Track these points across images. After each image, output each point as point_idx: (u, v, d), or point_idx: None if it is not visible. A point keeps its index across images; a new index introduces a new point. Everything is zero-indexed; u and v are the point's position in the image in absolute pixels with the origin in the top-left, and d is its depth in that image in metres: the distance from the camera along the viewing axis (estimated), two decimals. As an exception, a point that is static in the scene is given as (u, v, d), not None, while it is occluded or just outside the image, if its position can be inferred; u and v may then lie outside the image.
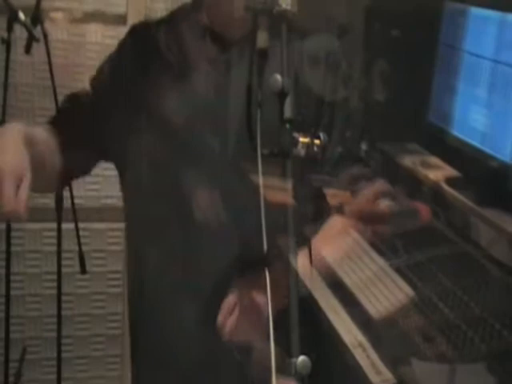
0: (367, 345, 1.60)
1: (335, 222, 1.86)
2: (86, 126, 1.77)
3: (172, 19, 1.82)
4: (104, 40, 3.64)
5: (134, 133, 1.72)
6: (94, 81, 1.86)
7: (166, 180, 1.72)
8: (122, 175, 1.87)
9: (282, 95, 1.18)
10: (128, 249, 2.01)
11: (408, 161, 2.28)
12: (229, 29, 1.71)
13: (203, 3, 1.74)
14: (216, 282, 1.72)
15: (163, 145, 1.71)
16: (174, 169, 1.69)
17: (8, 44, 3.10)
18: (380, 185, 2.02)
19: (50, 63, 3.14)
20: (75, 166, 1.80)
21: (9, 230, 3.20)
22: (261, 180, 1.20)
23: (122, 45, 1.84)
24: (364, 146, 2.19)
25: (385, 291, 1.74)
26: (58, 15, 3.72)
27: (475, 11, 2.12)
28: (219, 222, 1.67)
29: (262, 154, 1.20)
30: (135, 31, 1.84)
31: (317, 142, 1.24)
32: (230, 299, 1.67)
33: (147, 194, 1.77)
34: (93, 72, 1.87)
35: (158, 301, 1.80)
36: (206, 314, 1.71)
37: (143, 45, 1.79)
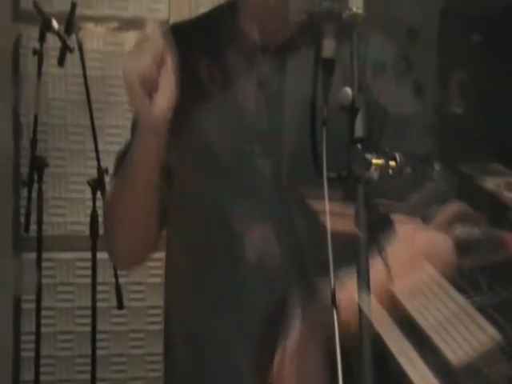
0: (446, 396, 1.57)
1: (403, 253, 1.82)
2: None
3: (207, 21, 1.83)
4: (145, 49, 3.67)
5: (175, 157, 1.70)
6: None
7: (212, 214, 1.69)
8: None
9: (352, 111, 1.17)
10: (167, 291, 1.98)
11: (491, 183, 2.25)
12: (270, 34, 1.69)
13: (239, 4, 1.74)
14: (268, 328, 1.69)
15: (204, 172, 1.68)
16: (221, 200, 1.67)
17: (40, 55, 3.13)
18: (456, 207, 1.98)
19: (85, 76, 3.17)
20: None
21: (39, 259, 3.22)
22: (327, 208, 1.17)
23: None
24: (438, 167, 2.15)
25: (466, 334, 1.70)
26: (94, 23, 3.76)
27: None
28: (274, 259, 1.64)
29: (329, 178, 1.17)
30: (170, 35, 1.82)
31: (392, 163, 1.21)
32: (288, 345, 1.63)
33: (191, 229, 1.74)
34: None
35: (202, 347, 1.77)
36: (256, 361, 1.68)
37: (177, 51, 1.77)
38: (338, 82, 1.22)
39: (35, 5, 3.18)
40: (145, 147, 1.59)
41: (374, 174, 1.19)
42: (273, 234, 1.63)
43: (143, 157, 1.61)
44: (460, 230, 1.95)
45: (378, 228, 1.73)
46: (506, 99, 2.33)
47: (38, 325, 3.23)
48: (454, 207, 1.98)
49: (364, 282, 1.15)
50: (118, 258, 1.83)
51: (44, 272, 3.29)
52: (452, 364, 1.63)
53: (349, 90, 1.17)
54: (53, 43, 3.12)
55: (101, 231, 3.04)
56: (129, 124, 1.82)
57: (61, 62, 3.13)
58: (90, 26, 3.63)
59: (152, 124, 1.54)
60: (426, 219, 1.91)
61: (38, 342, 3.23)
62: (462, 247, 1.92)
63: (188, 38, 1.76)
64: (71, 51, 3.09)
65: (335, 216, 1.19)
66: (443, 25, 2.72)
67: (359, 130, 1.17)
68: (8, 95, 3.88)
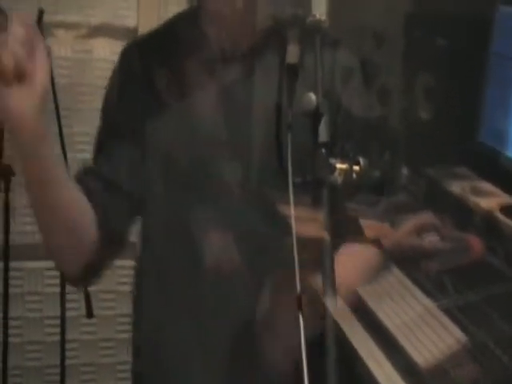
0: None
1: (372, 257, 1.84)
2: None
3: (169, 31, 1.81)
4: (113, 56, 3.65)
5: (142, 168, 1.70)
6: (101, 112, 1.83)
7: (176, 220, 1.70)
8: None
9: (316, 116, 1.18)
10: (135, 298, 1.94)
11: (456, 187, 2.27)
12: (235, 40, 1.70)
13: (203, 11, 1.74)
14: (232, 336, 1.70)
15: (169, 180, 1.69)
16: (183, 206, 1.67)
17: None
18: (424, 216, 2.01)
19: (52, 83, 3.16)
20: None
21: (7, 269, 3.20)
22: (292, 212, 1.19)
23: (116, 71, 1.81)
24: (405, 171, 2.18)
25: (432, 336, 1.72)
26: (62, 30, 3.76)
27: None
28: (234, 265, 1.65)
29: (294, 183, 1.19)
30: (125, 55, 1.82)
31: (356, 168, 1.23)
32: None
33: (157, 236, 1.75)
34: (100, 92, 1.85)
35: (166, 353, 1.77)
36: (218, 366, 1.69)
37: (135, 69, 1.76)
38: (303, 88, 1.24)
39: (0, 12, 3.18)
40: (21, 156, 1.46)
41: (338, 178, 1.21)
42: (235, 241, 1.64)
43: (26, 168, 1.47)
44: (428, 238, 1.98)
45: (345, 232, 1.76)
46: (470, 102, 2.35)
47: (6, 335, 3.21)
48: (422, 216, 2.01)
49: (329, 285, 1.15)
50: (64, 269, 1.78)
51: (11, 281, 3.27)
52: (419, 366, 1.65)
53: (313, 96, 1.18)
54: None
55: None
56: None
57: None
58: (57, 33, 3.64)
59: (13, 124, 1.39)
60: (394, 225, 1.94)
61: (5, 352, 3.21)
62: (429, 254, 1.95)
63: (150, 51, 1.76)
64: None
65: (302, 220, 1.21)
66: (409, 29, 2.74)
67: (323, 135, 1.18)
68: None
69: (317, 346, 1.06)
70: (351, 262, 1.69)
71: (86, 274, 1.69)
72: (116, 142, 1.70)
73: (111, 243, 1.68)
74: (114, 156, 1.69)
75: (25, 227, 3.64)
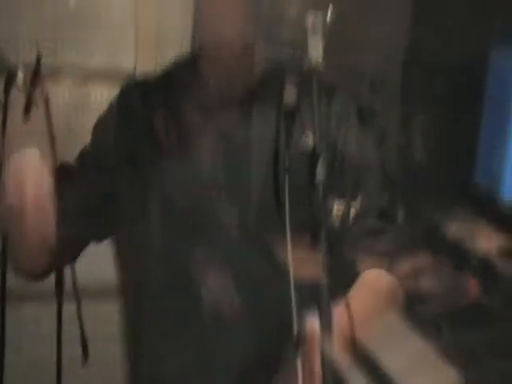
0: None
1: (365, 298, 1.85)
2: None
3: (169, 76, 1.81)
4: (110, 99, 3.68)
5: (140, 205, 1.70)
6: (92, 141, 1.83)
7: (174, 260, 1.69)
8: (118, 246, 1.83)
9: (313, 157, 1.19)
10: (127, 343, 1.93)
11: (453, 229, 2.28)
12: (232, 83, 1.70)
13: (202, 56, 1.74)
14: (231, 376, 1.69)
15: (167, 220, 1.69)
16: (181, 247, 1.67)
17: (5, 108, 3.15)
18: (421, 259, 2.01)
19: (50, 126, 3.18)
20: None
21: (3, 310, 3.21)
22: (290, 254, 1.19)
23: (114, 104, 1.83)
24: (402, 213, 2.18)
25: (428, 376, 1.72)
26: (60, 73, 3.79)
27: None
28: (233, 307, 1.65)
29: (291, 224, 1.19)
30: (125, 91, 1.83)
31: (353, 210, 1.24)
32: None
33: (156, 276, 1.74)
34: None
35: None
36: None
37: (135, 107, 1.76)
38: (300, 130, 1.25)
39: (0, 57, 3.21)
40: None
41: (336, 219, 1.22)
42: (233, 282, 1.64)
43: None
44: (426, 280, 1.98)
45: (343, 274, 1.76)
46: (467, 144, 2.37)
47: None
48: (418, 259, 2.01)
49: (326, 326, 1.15)
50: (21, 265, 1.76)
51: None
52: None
53: (310, 136, 1.19)
54: (18, 94, 3.14)
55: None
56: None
57: (27, 111, 3.15)
58: (55, 76, 3.66)
59: None
60: (391, 268, 1.94)
61: None
62: (426, 296, 1.95)
63: (150, 94, 1.77)
64: (35, 104, 3.11)
65: (299, 262, 1.21)
66: (405, 74, 2.77)
67: (320, 176, 1.17)
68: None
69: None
70: (358, 301, 1.69)
71: (46, 270, 1.68)
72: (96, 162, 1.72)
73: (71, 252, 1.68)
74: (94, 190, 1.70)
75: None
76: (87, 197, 1.68)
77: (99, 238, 1.79)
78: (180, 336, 1.71)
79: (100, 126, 1.82)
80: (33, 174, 1.55)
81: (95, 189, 1.70)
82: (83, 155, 1.78)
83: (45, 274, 1.67)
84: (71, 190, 1.62)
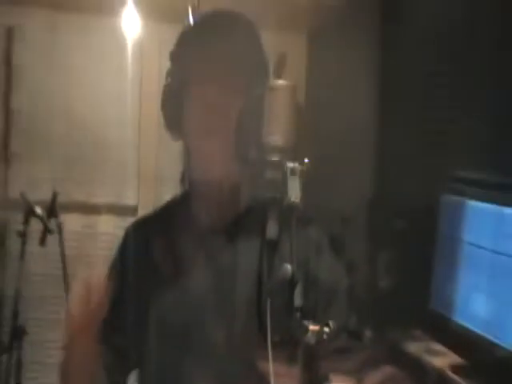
0: None
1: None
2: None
3: (165, 212, 1.82)
4: (115, 230, 3.69)
5: (143, 330, 1.70)
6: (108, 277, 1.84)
7: (169, 372, 1.67)
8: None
9: (291, 284, 1.19)
10: None
11: (413, 347, 2.27)
12: (220, 217, 1.70)
13: (192, 195, 1.75)
14: None
15: (163, 338, 1.68)
16: (175, 362, 1.66)
17: (24, 236, 3.16)
18: (387, 372, 1.99)
19: (62, 254, 3.18)
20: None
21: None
22: (271, 367, 1.19)
23: (120, 247, 1.84)
24: (369, 333, 2.18)
25: None
26: (72, 208, 3.81)
27: (474, 204, 2.17)
28: None
29: (274, 342, 1.19)
30: (128, 234, 1.82)
31: (326, 329, 1.23)
32: None
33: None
34: (105, 262, 1.86)
35: None
36: None
37: (137, 245, 1.77)
38: (280, 258, 1.26)
39: (21, 195, 3.23)
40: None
41: (312, 338, 1.21)
42: None
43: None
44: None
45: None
46: (423, 275, 2.37)
47: None
48: (384, 371, 2.00)
49: None
50: None
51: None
52: None
53: (288, 266, 1.20)
54: (36, 226, 3.14)
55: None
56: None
57: (42, 242, 3.15)
58: (68, 210, 3.67)
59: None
60: (360, 380, 1.92)
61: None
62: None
63: (148, 230, 1.78)
64: (52, 233, 3.12)
65: (280, 375, 1.20)
66: (370, 213, 2.80)
67: (298, 300, 1.18)
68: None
69: None
70: None
71: None
72: (118, 308, 1.71)
73: None
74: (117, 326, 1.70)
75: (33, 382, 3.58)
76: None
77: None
78: None
79: (110, 272, 1.82)
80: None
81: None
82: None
83: None
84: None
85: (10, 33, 3.96)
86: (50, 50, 3.98)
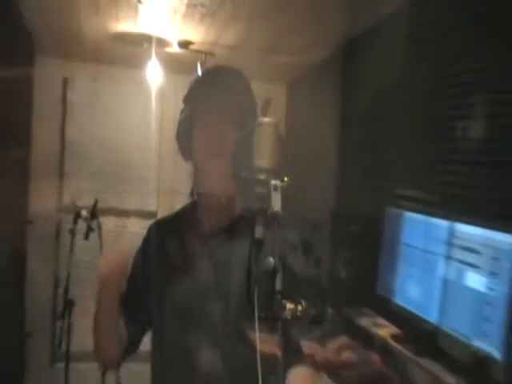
0: None
1: (309, 368, 1.80)
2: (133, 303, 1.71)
3: (177, 216, 1.80)
4: (140, 230, 3.67)
5: (157, 305, 1.67)
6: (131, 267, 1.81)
7: (178, 340, 1.65)
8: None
9: (273, 273, 1.18)
10: None
11: (363, 321, 2.26)
12: (219, 223, 1.68)
13: (198, 205, 1.72)
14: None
15: (174, 315, 1.65)
16: (183, 332, 1.63)
17: (73, 233, 3.17)
18: (343, 340, 1.98)
19: (101, 246, 3.16)
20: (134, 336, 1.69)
21: (67, 368, 3.10)
22: (257, 336, 1.17)
23: (144, 240, 1.82)
24: (330, 310, 2.16)
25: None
26: (109, 212, 3.79)
27: (409, 214, 2.17)
28: (217, 370, 1.60)
29: (259, 317, 1.17)
30: (150, 230, 1.80)
31: (299, 308, 1.21)
32: None
33: (164, 351, 1.69)
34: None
35: None
36: None
37: (156, 239, 1.75)
38: (265, 254, 1.24)
39: (71, 202, 3.24)
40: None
41: (288, 314, 1.19)
42: (219, 355, 1.60)
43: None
44: (346, 355, 1.94)
45: (291, 350, 1.71)
46: (372, 267, 2.36)
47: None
48: (341, 340, 1.98)
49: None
50: (100, 359, 1.72)
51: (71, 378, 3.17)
52: None
53: (271, 259, 1.19)
54: (82, 225, 3.13)
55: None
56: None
57: (86, 237, 3.14)
58: (106, 214, 3.66)
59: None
60: (323, 346, 1.90)
61: None
62: (346, 365, 1.91)
63: (165, 229, 1.76)
64: (93, 230, 3.11)
65: (263, 342, 1.18)
66: (333, 220, 2.79)
67: (278, 286, 1.17)
68: (50, 261, 3.87)
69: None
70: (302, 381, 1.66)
71: (119, 361, 1.69)
72: (135, 291, 1.69)
73: (131, 346, 1.68)
74: (134, 302, 1.68)
75: (81, 341, 3.54)
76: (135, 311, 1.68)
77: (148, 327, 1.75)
78: None
79: (134, 258, 1.80)
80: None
81: (135, 298, 1.68)
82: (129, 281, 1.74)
83: (115, 364, 1.71)
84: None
85: (64, 82, 3.97)
86: (93, 95, 3.98)
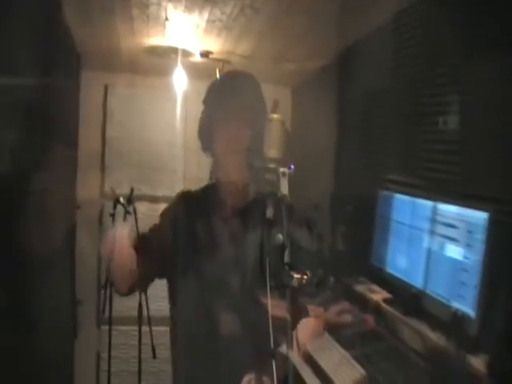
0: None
1: (314, 327, 1.81)
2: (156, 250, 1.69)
3: (203, 193, 1.79)
4: (169, 213, 3.67)
5: (179, 266, 1.66)
6: (159, 221, 1.79)
7: (202, 303, 1.64)
8: (170, 291, 1.77)
9: (282, 248, 1.18)
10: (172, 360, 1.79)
11: (359, 288, 2.25)
12: (236, 203, 1.69)
13: (219, 185, 1.72)
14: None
15: (199, 281, 1.65)
16: (207, 297, 1.63)
17: (113, 216, 3.17)
18: (343, 304, 1.98)
19: (136, 227, 3.16)
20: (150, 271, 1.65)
21: (110, 330, 3.11)
22: (269, 301, 1.17)
23: (173, 203, 1.80)
24: (332, 279, 2.15)
25: (347, 371, 1.67)
26: (143, 198, 3.79)
27: (398, 196, 2.16)
28: (236, 332, 1.59)
29: (271, 285, 1.18)
30: (180, 196, 1.80)
31: (305, 277, 1.21)
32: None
33: (188, 313, 1.68)
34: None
35: None
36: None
37: (181, 206, 1.75)
38: (275, 231, 1.23)
39: (111, 190, 3.25)
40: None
41: (295, 282, 1.19)
42: (237, 318, 1.60)
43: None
44: (345, 316, 1.94)
45: (299, 313, 1.71)
46: (367, 241, 2.35)
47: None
48: (341, 304, 1.98)
49: (290, 341, 1.17)
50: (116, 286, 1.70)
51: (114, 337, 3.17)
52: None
53: (280, 236, 1.19)
54: (120, 209, 3.13)
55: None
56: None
57: (124, 219, 3.14)
58: (140, 200, 3.66)
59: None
60: (326, 309, 1.91)
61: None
62: (345, 325, 1.91)
63: (191, 201, 1.76)
64: (130, 213, 3.11)
65: (274, 306, 1.18)
66: (332, 201, 2.77)
67: (286, 258, 1.17)
68: (95, 239, 3.87)
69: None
70: (307, 328, 1.67)
71: (130, 290, 1.68)
72: (159, 240, 1.69)
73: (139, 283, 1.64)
74: (153, 249, 1.65)
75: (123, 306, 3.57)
76: (153, 253, 1.66)
77: (158, 276, 1.72)
78: (203, 349, 1.65)
79: (163, 213, 1.79)
80: (121, 238, 1.67)
81: (157, 248, 1.67)
82: (153, 229, 1.73)
83: (130, 292, 1.69)
84: (146, 249, 1.63)
85: (106, 88, 3.96)
86: (129, 100, 3.98)
